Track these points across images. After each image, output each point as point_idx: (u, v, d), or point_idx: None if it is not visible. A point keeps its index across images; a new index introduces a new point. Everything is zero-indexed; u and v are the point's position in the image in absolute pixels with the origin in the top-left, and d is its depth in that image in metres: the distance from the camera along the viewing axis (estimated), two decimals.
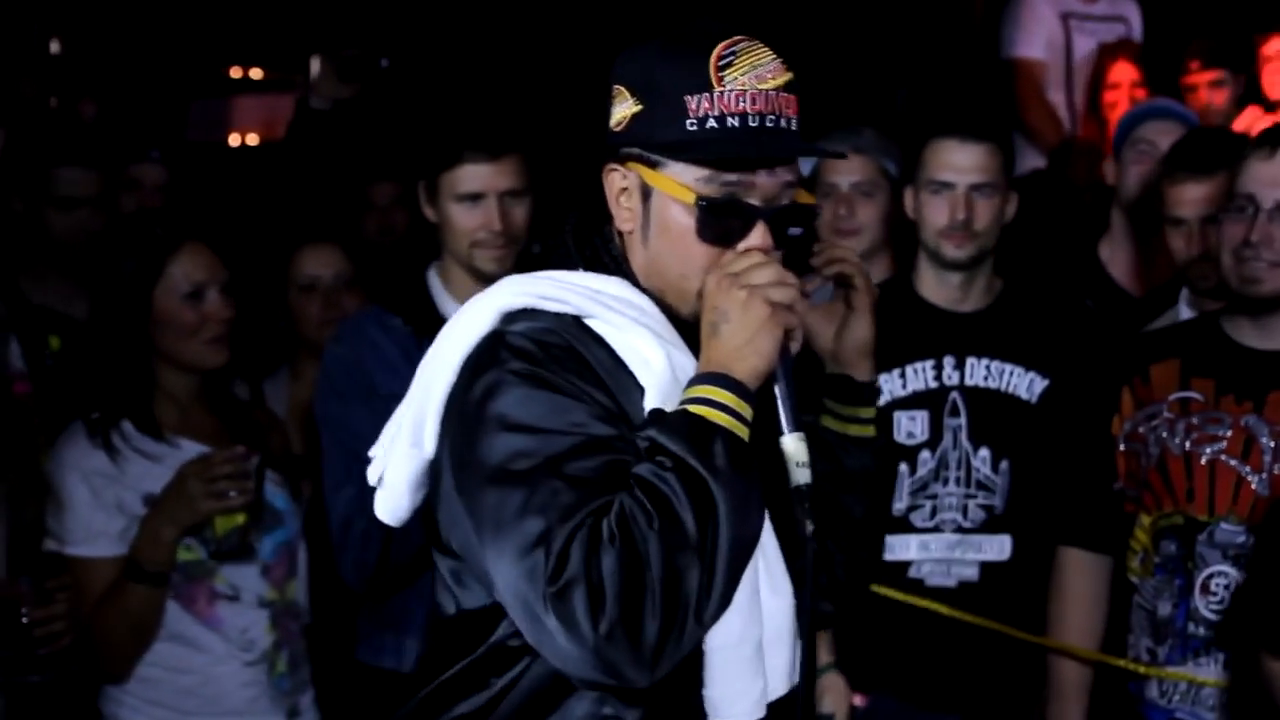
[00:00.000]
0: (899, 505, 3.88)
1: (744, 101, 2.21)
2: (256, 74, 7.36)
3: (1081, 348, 3.97)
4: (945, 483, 3.88)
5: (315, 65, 5.40)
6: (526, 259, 4.01)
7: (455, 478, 2.19)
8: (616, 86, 2.29)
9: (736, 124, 2.21)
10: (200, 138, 7.08)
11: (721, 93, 2.21)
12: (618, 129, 2.29)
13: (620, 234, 2.35)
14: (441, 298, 3.83)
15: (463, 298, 3.76)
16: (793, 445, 2.22)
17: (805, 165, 4.59)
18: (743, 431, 2.13)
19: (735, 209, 2.24)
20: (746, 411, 2.15)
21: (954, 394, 3.92)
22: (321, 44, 5.28)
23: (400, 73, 5.32)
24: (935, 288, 3.99)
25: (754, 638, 2.20)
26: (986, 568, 3.91)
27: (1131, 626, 3.56)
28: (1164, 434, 3.48)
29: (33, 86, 5.77)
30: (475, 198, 3.75)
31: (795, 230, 2.29)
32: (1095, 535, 3.65)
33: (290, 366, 4.50)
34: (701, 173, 2.23)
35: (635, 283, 2.32)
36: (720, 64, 2.22)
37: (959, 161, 3.88)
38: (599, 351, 2.22)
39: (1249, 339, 3.47)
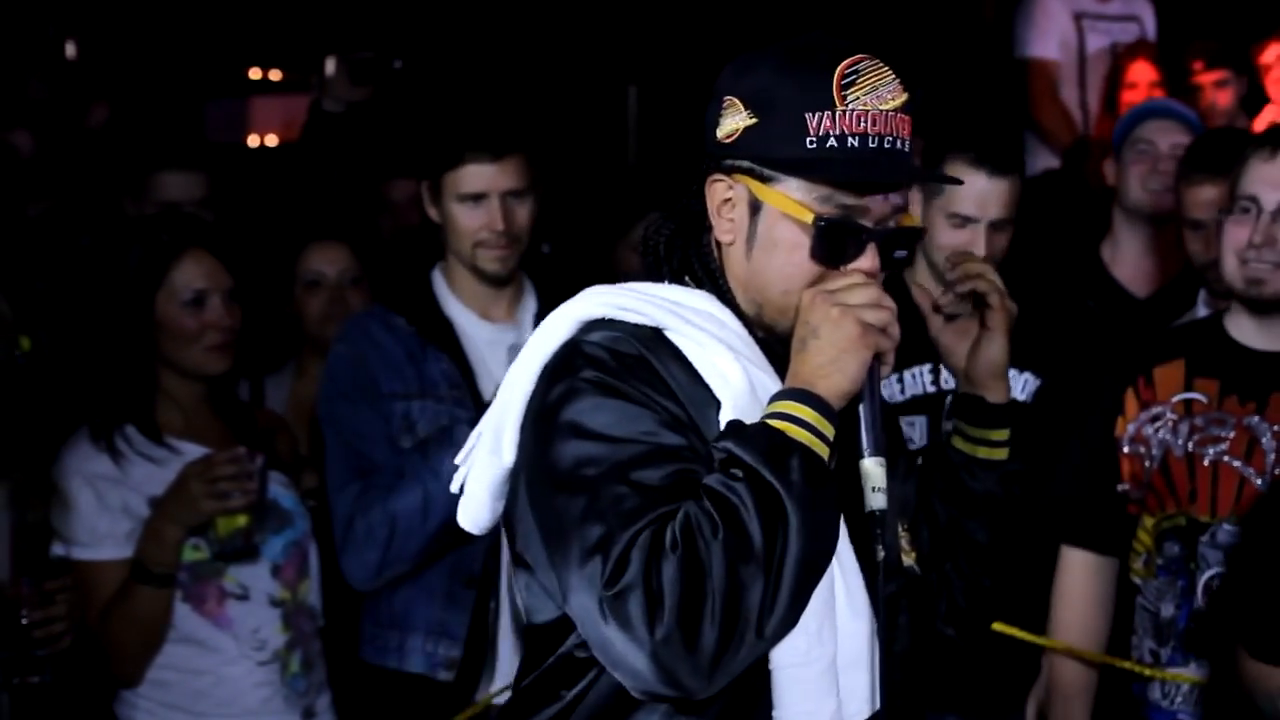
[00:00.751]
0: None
1: (865, 122, 2.17)
2: (275, 75, 7.38)
3: (1079, 347, 3.95)
4: None
5: (330, 67, 5.40)
6: (536, 258, 4.01)
7: (526, 485, 2.20)
8: (728, 98, 2.24)
9: (856, 144, 2.18)
10: (218, 138, 7.09)
11: (843, 112, 2.17)
12: (727, 141, 2.24)
13: (719, 245, 2.30)
14: (445, 298, 3.83)
15: (466, 298, 3.81)
16: (871, 468, 2.18)
17: None
18: (822, 449, 2.11)
19: (851, 230, 2.21)
20: (827, 429, 2.12)
21: (952, 398, 3.88)
22: (339, 46, 5.28)
23: (412, 75, 5.31)
24: (932, 292, 3.93)
25: (823, 658, 2.16)
26: None
27: (1135, 628, 3.54)
28: (1167, 435, 3.45)
29: (43, 88, 5.79)
30: (478, 198, 3.74)
31: (901, 253, 2.26)
32: (1099, 536, 3.62)
33: (294, 363, 4.51)
34: (819, 191, 2.20)
35: (727, 296, 2.29)
36: (843, 82, 2.17)
37: (981, 196, 3.76)
38: (674, 365, 2.19)
39: (1252, 340, 3.44)
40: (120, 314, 3.67)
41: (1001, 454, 2.50)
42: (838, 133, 2.17)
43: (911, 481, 2.50)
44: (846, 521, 2.20)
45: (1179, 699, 3.45)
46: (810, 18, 6.77)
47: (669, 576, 2.00)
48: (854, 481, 2.19)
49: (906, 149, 2.21)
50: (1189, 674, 3.43)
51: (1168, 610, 3.45)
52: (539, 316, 3.80)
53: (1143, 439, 3.50)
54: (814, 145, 2.18)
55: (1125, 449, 3.54)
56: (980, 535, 2.48)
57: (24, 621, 3.32)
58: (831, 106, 2.17)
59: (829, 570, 2.15)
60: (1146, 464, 3.48)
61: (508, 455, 2.25)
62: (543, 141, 5.32)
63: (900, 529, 2.39)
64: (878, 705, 2.24)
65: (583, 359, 2.17)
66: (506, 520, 2.30)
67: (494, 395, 3.42)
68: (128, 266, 3.70)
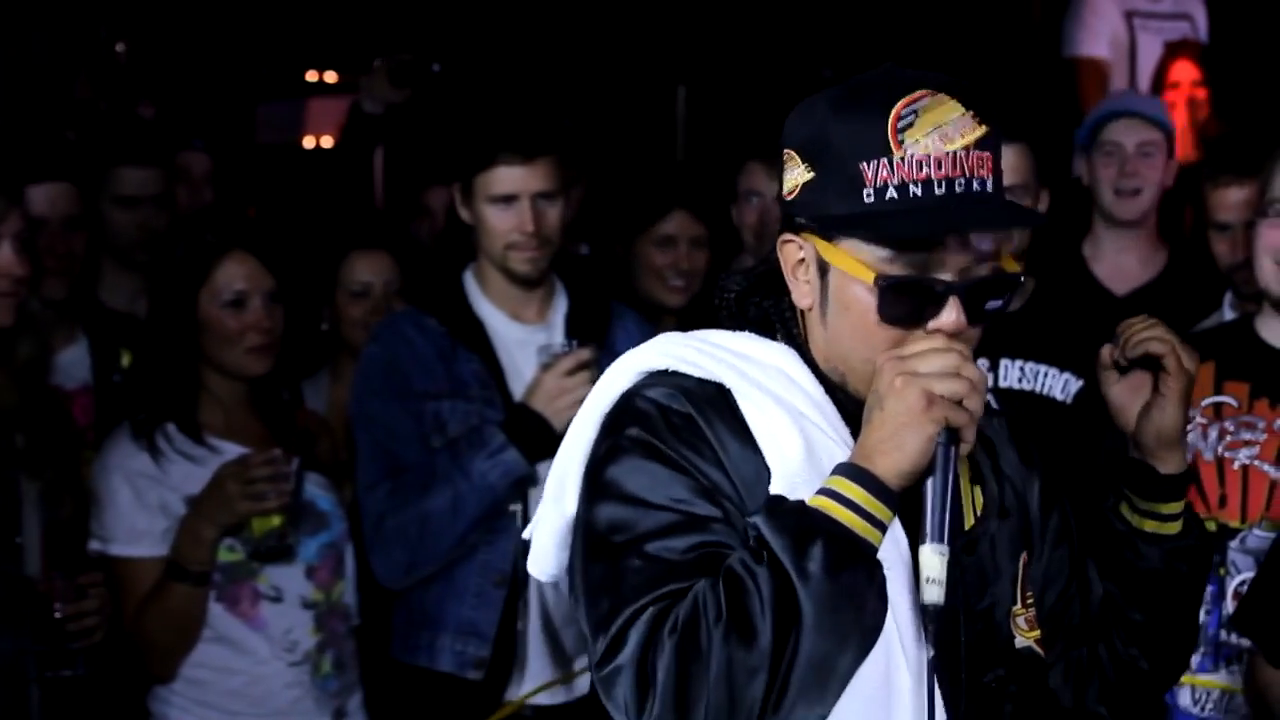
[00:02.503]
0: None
1: (928, 167, 1.97)
2: (331, 77, 7.43)
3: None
4: None
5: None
6: (567, 260, 4.00)
7: (572, 543, 2.12)
8: (787, 151, 2.09)
9: (920, 193, 1.98)
10: (272, 140, 7.14)
11: (901, 158, 1.97)
12: (789, 197, 2.09)
13: (800, 312, 2.14)
14: (476, 299, 3.84)
15: (497, 298, 3.82)
16: (927, 558, 1.97)
17: None
18: (869, 533, 1.93)
19: (920, 288, 2.00)
20: (880, 511, 1.94)
21: (987, 395, 3.84)
22: (395, 49, 5.30)
23: (451, 77, 5.32)
24: None
25: None
26: None
27: None
28: (1197, 439, 3.42)
29: (89, 88, 5.84)
30: (508, 199, 3.75)
31: (995, 303, 2.04)
32: None
33: (331, 368, 4.52)
34: (884, 250, 2.00)
35: (813, 363, 2.12)
36: (900, 125, 1.98)
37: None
38: (726, 428, 2.04)
39: None
40: (164, 313, 3.71)
41: (1171, 528, 2.29)
42: (897, 182, 1.98)
43: (1064, 549, 2.31)
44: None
45: (1209, 705, 3.42)
46: (857, 20, 6.75)
47: (664, 663, 1.90)
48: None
49: (988, 189, 2.00)
50: (1219, 680, 3.39)
51: None
52: (570, 317, 3.85)
53: None
54: (872, 199, 1.99)
55: None
56: (1137, 615, 2.29)
57: (57, 615, 3.35)
58: (888, 153, 1.98)
59: (890, 659, 1.99)
60: None
61: (569, 505, 2.14)
62: (591, 142, 5.33)
63: (1021, 603, 2.18)
64: None
65: (631, 414, 2.06)
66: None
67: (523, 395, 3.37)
68: (172, 266, 3.74)
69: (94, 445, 3.87)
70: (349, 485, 3.94)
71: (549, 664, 3.74)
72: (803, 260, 2.10)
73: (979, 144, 2.00)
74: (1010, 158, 3.76)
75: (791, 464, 2.01)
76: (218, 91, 7.01)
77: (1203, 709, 3.42)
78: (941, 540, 1.97)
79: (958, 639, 2.06)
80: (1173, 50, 6.11)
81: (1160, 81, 6.03)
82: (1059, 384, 3.90)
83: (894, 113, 1.98)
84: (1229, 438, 3.38)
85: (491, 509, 3.65)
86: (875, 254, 2.01)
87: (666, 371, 2.09)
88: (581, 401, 2.21)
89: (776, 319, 2.15)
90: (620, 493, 2.02)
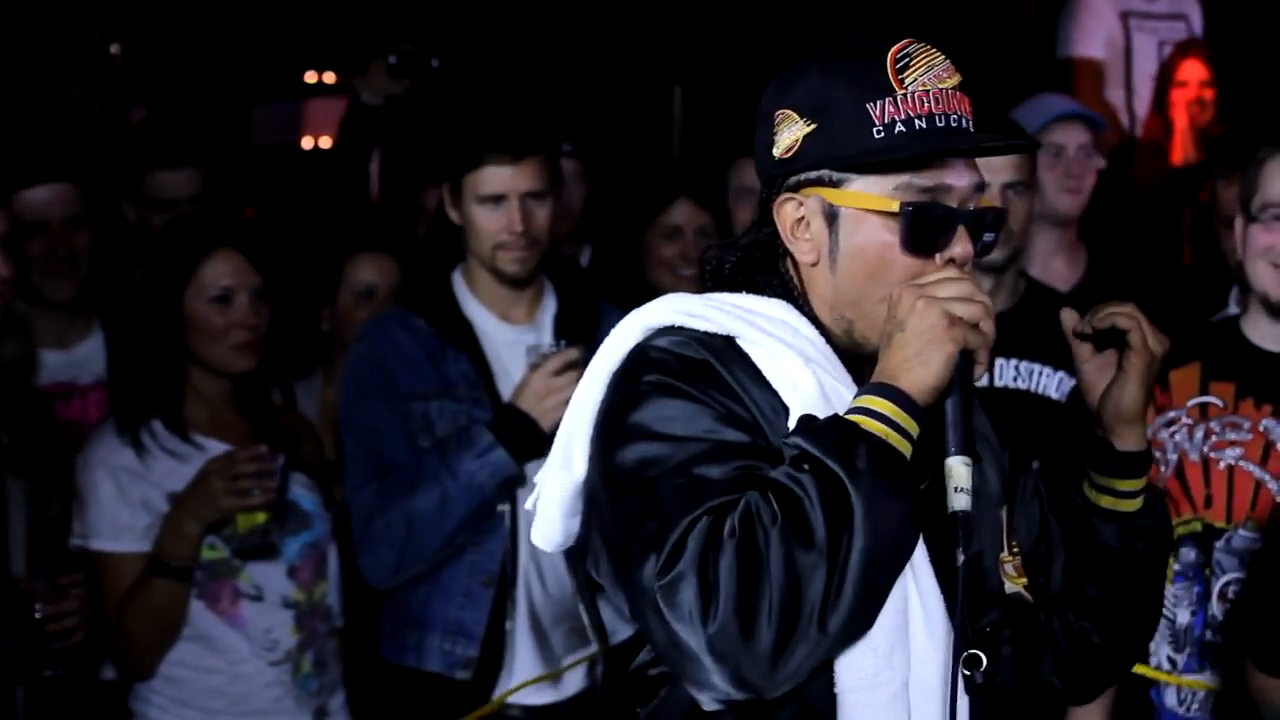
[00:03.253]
0: None
1: (929, 101, 2.10)
2: (330, 78, 7.42)
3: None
4: None
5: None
6: (556, 260, 3.99)
7: (592, 494, 2.15)
8: (780, 112, 2.17)
9: (925, 125, 2.10)
10: (268, 141, 7.13)
11: (905, 95, 2.10)
12: (788, 156, 2.17)
13: (799, 268, 2.22)
14: (465, 299, 3.84)
15: (486, 299, 3.81)
16: (955, 467, 2.07)
17: None
18: (901, 444, 2.02)
19: (939, 214, 2.12)
20: (908, 424, 2.03)
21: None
22: (391, 47, 5.30)
23: (448, 73, 5.30)
24: None
25: (892, 682, 2.05)
26: None
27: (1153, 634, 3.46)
28: (1182, 439, 3.40)
29: (83, 91, 5.83)
30: (497, 199, 3.74)
31: (989, 236, 2.18)
32: None
33: (325, 369, 4.51)
34: (897, 180, 2.12)
35: (806, 310, 2.20)
36: (898, 66, 2.11)
37: (993, 160, 3.79)
38: (742, 372, 2.12)
39: (1269, 343, 3.39)
40: (151, 309, 3.72)
41: (1128, 505, 2.32)
42: (903, 116, 2.09)
43: (1034, 509, 2.37)
44: (928, 537, 2.09)
45: (1195, 706, 3.40)
46: (852, 18, 6.73)
47: (725, 565, 1.94)
48: (942, 493, 2.08)
49: (972, 127, 2.14)
50: (1205, 681, 3.38)
51: (1184, 617, 3.41)
52: (559, 318, 3.84)
53: (1159, 444, 3.45)
54: (881, 134, 2.10)
55: None
56: (1091, 589, 2.32)
57: (37, 616, 3.36)
58: (891, 91, 2.10)
59: (904, 589, 2.06)
60: (1161, 468, 3.43)
61: (578, 468, 2.18)
62: (588, 141, 5.31)
63: (1008, 551, 2.24)
64: None
65: (647, 364, 2.12)
66: (581, 540, 2.23)
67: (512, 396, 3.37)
68: (159, 263, 3.74)
69: None
70: (339, 486, 3.93)
71: (537, 663, 3.73)
72: (802, 218, 2.17)
73: (960, 86, 2.14)
74: (1008, 156, 3.79)
75: (808, 399, 2.09)
76: (214, 93, 6.99)
77: (1188, 709, 3.41)
78: (964, 452, 2.06)
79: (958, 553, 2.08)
80: (1182, 49, 6.09)
81: (1168, 81, 6.00)
82: (1053, 383, 3.91)
83: (891, 55, 2.12)
84: (1214, 438, 3.38)
85: (480, 509, 3.64)
86: (889, 186, 2.11)
87: (674, 326, 2.16)
88: (569, 401, 2.22)
89: (775, 281, 2.21)
90: (648, 432, 2.07)
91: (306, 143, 7.10)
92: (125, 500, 3.59)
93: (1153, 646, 3.46)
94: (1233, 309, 4.02)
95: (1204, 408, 3.41)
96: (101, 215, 4.32)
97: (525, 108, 5.40)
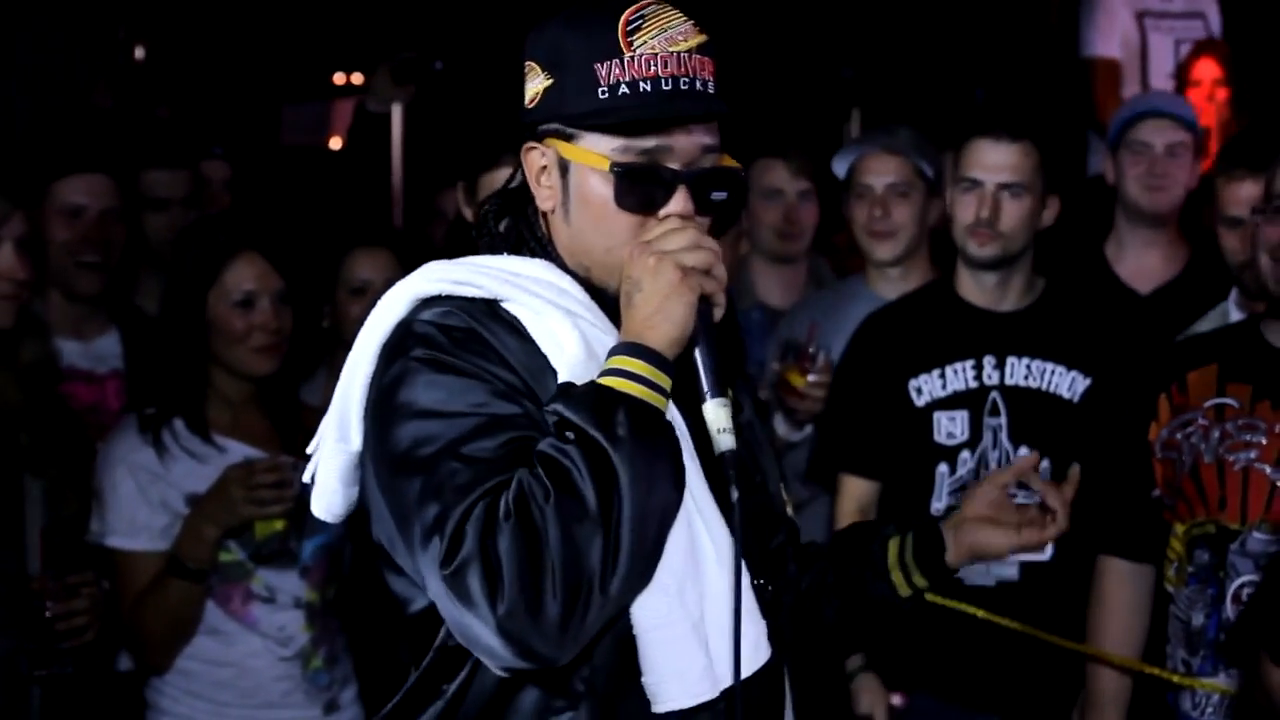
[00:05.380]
0: (938, 505, 3.84)
1: (655, 65, 2.14)
2: (358, 79, 7.38)
3: (1125, 348, 3.89)
4: None
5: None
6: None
7: (374, 471, 2.16)
8: (528, 63, 2.24)
9: (649, 88, 2.14)
10: (297, 141, 7.11)
11: (631, 57, 2.15)
12: (531, 105, 2.23)
13: (544, 215, 2.28)
14: None
15: None
16: (713, 412, 2.13)
17: (840, 167, 4.51)
18: (657, 400, 2.08)
19: (652, 174, 2.16)
20: (662, 380, 2.09)
21: (994, 394, 3.88)
22: (415, 48, 5.25)
23: (454, 76, 5.26)
24: (973, 288, 3.95)
25: (686, 618, 2.11)
26: (1027, 567, 3.83)
27: (1169, 637, 3.43)
28: (1198, 441, 3.34)
29: (107, 94, 5.79)
30: None
31: (719, 194, 2.20)
32: (1135, 544, 3.52)
33: (329, 368, 4.43)
34: (617, 141, 2.16)
35: (561, 264, 2.25)
36: (629, 28, 2.15)
37: (989, 160, 3.84)
38: (509, 336, 2.15)
39: None
40: (175, 312, 3.71)
41: (904, 592, 2.43)
42: (628, 79, 2.14)
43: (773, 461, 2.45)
44: (708, 475, 2.15)
45: (1209, 709, 3.34)
46: (874, 20, 6.66)
47: (505, 547, 1.97)
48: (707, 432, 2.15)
49: (709, 89, 2.16)
50: (1220, 683, 3.31)
51: (1198, 619, 3.35)
52: None
53: (1175, 444, 3.40)
54: (606, 95, 2.15)
55: (1158, 454, 3.43)
56: (829, 612, 2.45)
57: (47, 615, 3.33)
58: (619, 54, 2.14)
59: (691, 528, 2.12)
60: (1177, 469, 3.38)
61: (355, 440, 2.21)
62: None
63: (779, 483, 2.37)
64: (760, 663, 2.17)
65: (414, 338, 2.13)
66: (363, 507, 2.25)
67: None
68: (183, 266, 3.73)
69: None
70: None
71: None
72: (545, 167, 2.23)
73: (700, 49, 2.17)
74: (1010, 156, 3.83)
75: (573, 358, 2.13)
76: (242, 94, 6.96)
77: (1203, 713, 3.34)
78: (719, 394, 2.13)
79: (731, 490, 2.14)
80: (1198, 49, 6.03)
81: (1182, 80, 5.93)
82: (1066, 382, 3.88)
83: (623, 18, 2.16)
84: (1230, 440, 3.31)
85: None
86: (610, 145, 2.16)
87: (439, 296, 2.18)
88: None
89: (525, 229, 2.27)
90: (418, 409, 2.08)
91: (334, 143, 7.09)
92: (144, 499, 3.58)
93: (1168, 649, 3.42)
94: (1233, 312, 3.96)
95: (1220, 409, 3.34)
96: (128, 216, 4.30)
97: None
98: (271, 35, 7.21)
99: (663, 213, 2.17)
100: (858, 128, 6.09)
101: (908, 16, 6.34)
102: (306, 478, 2.30)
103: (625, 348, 2.10)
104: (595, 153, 2.17)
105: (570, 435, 2.02)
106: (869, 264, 4.49)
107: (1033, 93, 6.11)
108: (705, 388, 2.13)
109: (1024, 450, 3.80)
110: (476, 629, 1.99)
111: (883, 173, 4.38)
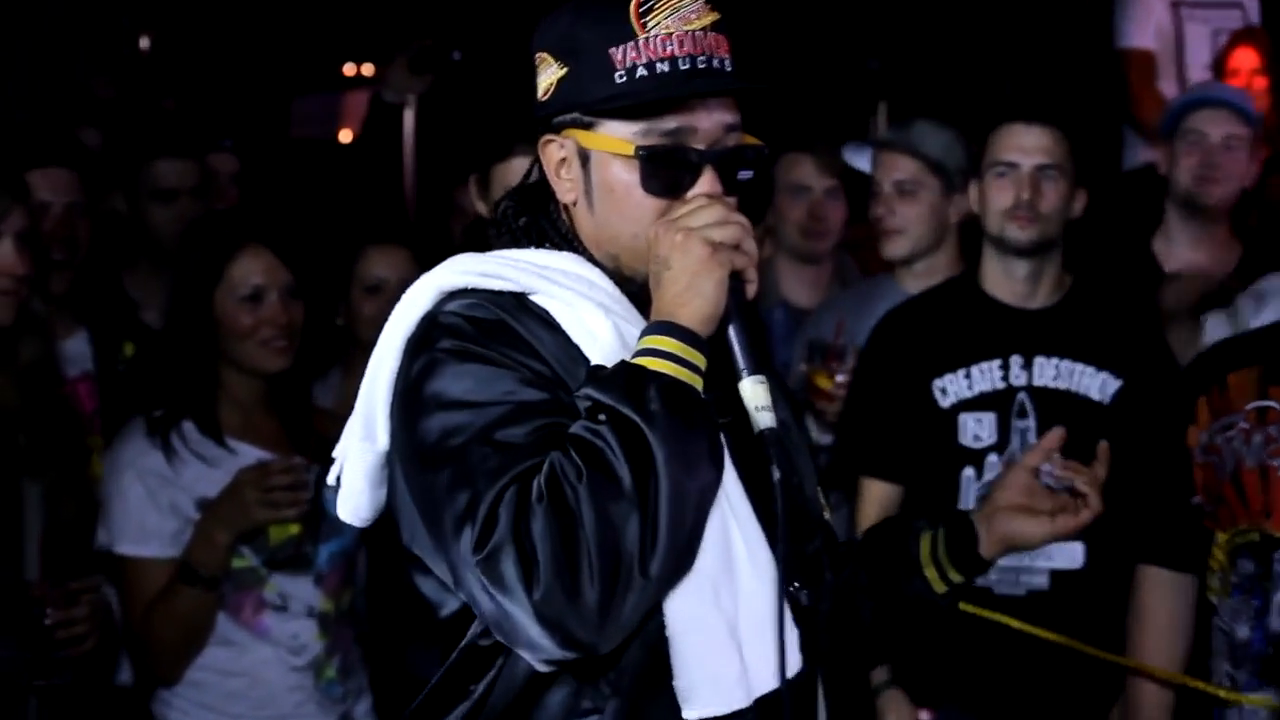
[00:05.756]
0: None
1: (671, 45, 2.14)
2: (369, 70, 7.34)
3: (1157, 348, 3.86)
4: None
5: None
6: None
7: (401, 468, 2.14)
8: (539, 54, 2.23)
9: (666, 69, 2.14)
10: (308, 134, 7.07)
11: (646, 39, 2.14)
12: (545, 97, 2.22)
13: (566, 208, 2.26)
14: None
15: None
16: (750, 389, 2.12)
17: (858, 161, 4.44)
18: (691, 378, 2.06)
19: (677, 155, 2.16)
20: (695, 358, 2.07)
21: (1022, 395, 3.83)
22: (408, 43, 5.19)
23: (471, 66, 5.20)
24: (1001, 282, 3.89)
25: (720, 622, 2.08)
26: (1057, 576, 3.78)
27: (1213, 650, 3.35)
28: (1239, 445, 3.25)
29: (109, 86, 5.73)
30: None
31: (746, 174, 2.20)
32: (1175, 553, 3.43)
33: (343, 366, 4.41)
34: (638, 125, 2.15)
35: (589, 257, 2.23)
36: (641, 10, 2.14)
37: (1024, 143, 3.82)
38: (539, 328, 2.14)
39: None
40: (182, 310, 3.67)
41: (940, 589, 2.39)
42: (645, 61, 2.13)
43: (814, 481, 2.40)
44: (743, 475, 2.13)
45: None
46: (898, 7, 6.60)
47: (539, 530, 1.94)
48: (745, 426, 2.11)
49: (726, 67, 2.16)
50: (1266, 698, 3.23)
51: (1242, 632, 3.27)
52: None
53: (1215, 449, 3.31)
54: (623, 79, 2.14)
55: (1198, 459, 3.35)
56: (865, 615, 2.41)
57: (47, 623, 3.27)
58: (633, 36, 2.14)
59: (724, 525, 2.09)
60: (1218, 475, 3.30)
61: (382, 439, 2.18)
62: None
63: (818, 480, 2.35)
64: (791, 674, 2.12)
65: (440, 330, 2.12)
66: (390, 511, 2.22)
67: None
68: (189, 261, 3.69)
69: (101, 432, 3.84)
70: None
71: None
72: (564, 159, 2.22)
73: (714, 27, 2.17)
74: (1045, 139, 3.82)
75: (607, 348, 2.12)
76: (250, 85, 6.92)
77: None
78: (755, 371, 2.11)
79: (776, 510, 2.10)
80: (1236, 38, 5.97)
81: (1220, 70, 5.87)
82: (1096, 383, 3.83)
83: (634, 1, 2.14)
84: (1273, 444, 3.22)
85: None
86: (631, 130, 2.15)
87: (466, 289, 2.17)
88: None
89: (547, 225, 2.25)
90: (446, 401, 2.07)
91: (345, 136, 7.04)
92: (154, 504, 3.54)
93: (1211, 663, 3.34)
94: (1251, 313, 3.82)
95: (1262, 412, 3.25)
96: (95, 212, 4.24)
97: None
98: (280, 25, 7.17)
99: (690, 194, 2.16)
100: (884, 121, 6.02)
101: (935, 7, 6.27)
102: (331, 480, 2.26)
103: (656, 326, 2.08)
104: (617, 138, 2.16)
105: (602, 416, 2.00)
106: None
107: (1062, 85, 6.03)
108: (741, 364, 2.12)
109: (1054, 455, 3.70)
110: (515, 618, 1.96)
111: (889, 170, 4.34)
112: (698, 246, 2.09)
